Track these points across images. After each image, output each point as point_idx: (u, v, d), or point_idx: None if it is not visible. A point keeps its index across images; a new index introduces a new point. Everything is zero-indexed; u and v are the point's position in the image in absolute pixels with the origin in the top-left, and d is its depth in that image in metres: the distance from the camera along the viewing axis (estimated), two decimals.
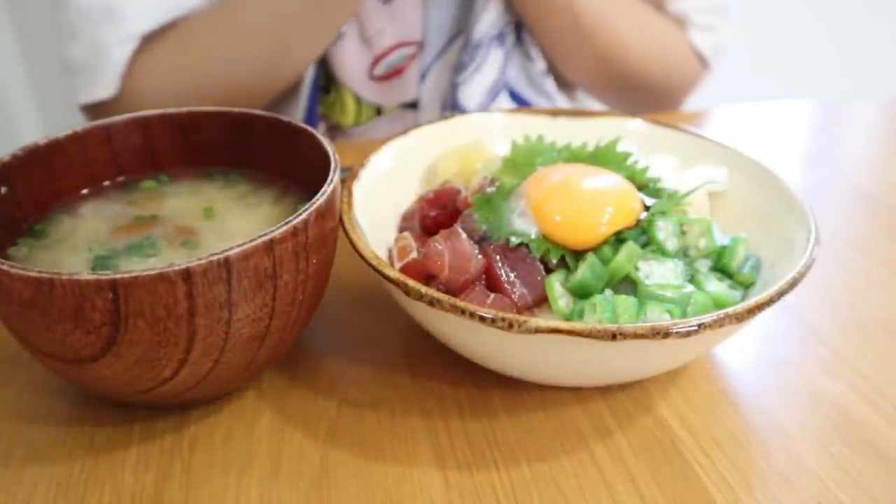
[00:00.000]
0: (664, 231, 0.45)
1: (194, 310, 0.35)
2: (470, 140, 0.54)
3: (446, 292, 0.40)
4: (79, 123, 0.47)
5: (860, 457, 0.40)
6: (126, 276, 0.33)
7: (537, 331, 0.35)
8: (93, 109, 0.74)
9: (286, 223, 0.37)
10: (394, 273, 0.39)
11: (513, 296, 0.42)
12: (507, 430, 0.41)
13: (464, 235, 0.43)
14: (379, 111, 0.81)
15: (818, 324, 0.50)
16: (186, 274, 0.34)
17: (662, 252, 0.44)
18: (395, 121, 0.82)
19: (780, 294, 0.38)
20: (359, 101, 0.80)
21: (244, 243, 0.35)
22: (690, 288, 0.42)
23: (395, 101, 0.81)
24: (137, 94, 0.72)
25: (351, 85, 0.79)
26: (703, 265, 0.45)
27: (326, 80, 0.80)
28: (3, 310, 0.36)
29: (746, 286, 0.45)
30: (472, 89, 0.79)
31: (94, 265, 0.41)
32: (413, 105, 0.82)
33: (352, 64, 0.78)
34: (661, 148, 0.54)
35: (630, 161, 0.49)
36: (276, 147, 0.48)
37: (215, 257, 0.34)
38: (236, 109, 0.49)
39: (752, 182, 0.50)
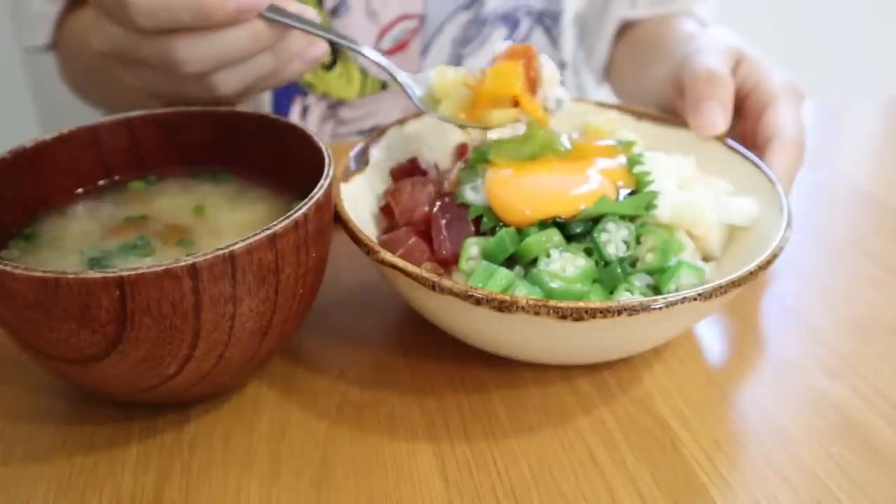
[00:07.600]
0: (610, 234, 0.44)
1: (200, 305, 0.35)
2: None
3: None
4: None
5: (860, 457, 0.40)
6: (133, 272, 0.33)
7: (383, 263, 0.40)
8: (37, 53, 0.77)
9: (287, 217, 0.37)
10: (352, 223, 0.42)
11: (436, 245, 0.45)
12: (507, 430, 0.41)
13: (430, 187, 0.47)
14: (384, 86, 0.82)
15: (818, 324, 0.50)
16: (193, 269, 0.34)
17: (598, 252, 0.43)
18: (398, 94, 0.82)
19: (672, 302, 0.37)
20: (365, 73, 0.81)
21: (248, 238, 0.35)
22: (584, 288, 0.42)
23: None
24: (60, 55, 0.75)
25: (358, 59, 0.80)
26: (642, 280, 0.44)
27: (333, 54, 0.81)
28: (3, 312, 0.36)
29: None
30: (477, 63, 0.81)
31: (88, 266, 0.41)
32: None
33: (359, 37, 0.79)
34: (672, 148, 0.53)
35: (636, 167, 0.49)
36: (265, 144, 0.48)
37: (220, 252, 0.34)
38: (222, 108, 0.49)
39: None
